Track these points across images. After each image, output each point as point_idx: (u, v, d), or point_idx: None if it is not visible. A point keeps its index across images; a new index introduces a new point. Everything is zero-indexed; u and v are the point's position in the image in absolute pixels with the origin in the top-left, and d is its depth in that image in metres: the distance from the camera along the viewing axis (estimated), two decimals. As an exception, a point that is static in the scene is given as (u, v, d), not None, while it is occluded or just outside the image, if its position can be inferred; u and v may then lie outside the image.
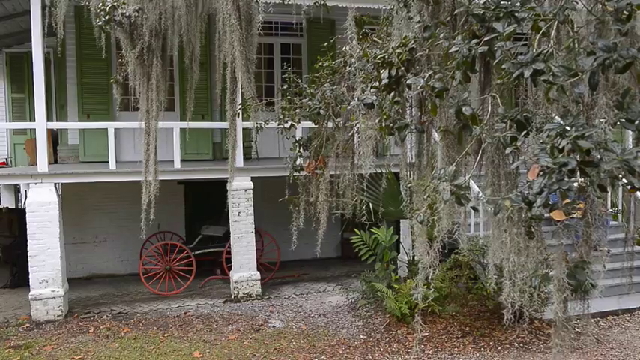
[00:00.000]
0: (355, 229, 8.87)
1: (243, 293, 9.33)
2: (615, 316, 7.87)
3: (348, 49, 5.26)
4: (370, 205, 8.32)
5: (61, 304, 8.38)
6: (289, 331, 7.67)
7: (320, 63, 6.16)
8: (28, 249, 8.35)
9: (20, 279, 9.86)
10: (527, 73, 2.29)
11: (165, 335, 7.57)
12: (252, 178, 9.51)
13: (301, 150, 6.34)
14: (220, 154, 11.13)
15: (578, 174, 2.06)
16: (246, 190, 9.39)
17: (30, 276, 8.36)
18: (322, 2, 7.70)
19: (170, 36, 6.98)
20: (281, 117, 6.26)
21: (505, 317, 2.89)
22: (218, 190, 9.81)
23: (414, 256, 8.34)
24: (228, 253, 9.65)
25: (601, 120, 2.27)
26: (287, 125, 6.14)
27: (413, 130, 3.10)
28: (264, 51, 11.82)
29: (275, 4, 8.12)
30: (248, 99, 6.71)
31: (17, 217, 10.36)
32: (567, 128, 2.15)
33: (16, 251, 9.93)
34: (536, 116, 2.57)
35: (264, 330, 7.76)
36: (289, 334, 7.54)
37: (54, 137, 10.85)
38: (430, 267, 2.84)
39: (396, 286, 7.99)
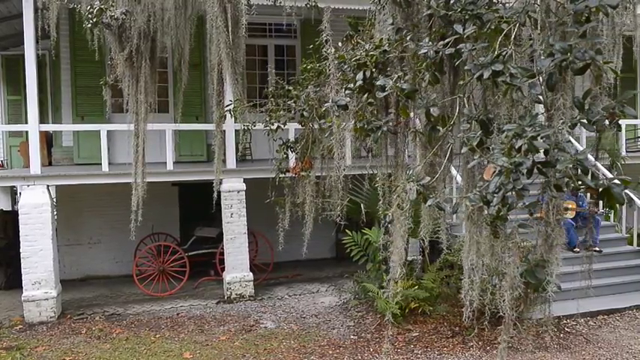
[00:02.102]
0: (347, 230, 8.87)
1: (236, 294, 9.35)
2: (606, 316, 7.87)
3: (331, 51, 5.28)
4: (362, 205, 8.36)
5: (53, 305, 8.41)
6: (280, 332, 7.69)
7: (305, 65, 6.20)
8: (21, 251, 8.38)
9: (14, 280, 9.88)
10: (486, 74, 2.31)
11: (157, 336, 7.60)
12: (245, 179, 9.51)
13: (288, 151, 6.36)
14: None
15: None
16: (238, 192, 9.40)
17: (22, 278, 8.40)
18: (313, 4, 7.73)
19: (159, 38, 7.01)
20: (267, 119, 6.29)
21: (464, 315, 2.91)
22: (212, 191, 9.82)
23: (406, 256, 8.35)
24: (222, 254, 9.67)
25: (559, 120, 2.29)
26: (274, 127, 6.17)
27: (385, 131, 3.14)
28: (259, 52, 11.85)
29: (267, 6, 8.14)
30: (235, 101, 6.74)
31: (12, 219, 10.39)
32: (526, 129, 2.17)
33: (10, 253, 9.97)
34: (499, 117, 2.59)
35: (255, 331, 7.79)
36: (280, 335, 7.56)
37: (49, 139, 10.88)
38: (399, 265, 2.86)
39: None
